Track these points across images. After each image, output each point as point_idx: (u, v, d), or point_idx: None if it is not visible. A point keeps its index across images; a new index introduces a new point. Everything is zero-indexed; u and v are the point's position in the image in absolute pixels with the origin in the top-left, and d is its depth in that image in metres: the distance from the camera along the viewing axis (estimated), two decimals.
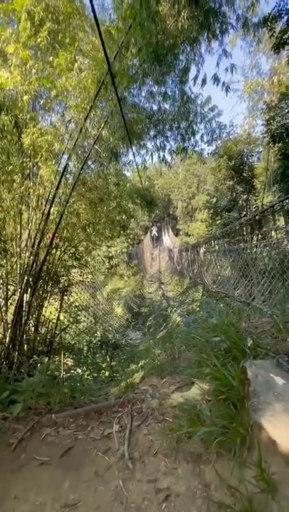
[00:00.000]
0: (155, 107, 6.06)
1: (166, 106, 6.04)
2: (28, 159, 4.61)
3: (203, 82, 5.15)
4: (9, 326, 4.47)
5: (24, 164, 4.61)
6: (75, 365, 5.94)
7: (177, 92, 5.66)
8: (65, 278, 5.96)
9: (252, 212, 9.18)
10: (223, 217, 10.95)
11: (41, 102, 4.84)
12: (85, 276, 7.74)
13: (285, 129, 7.79)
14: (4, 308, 4.58)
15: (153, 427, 1.51)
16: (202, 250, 10.17)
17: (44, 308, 5.24)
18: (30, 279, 4.62)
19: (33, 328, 4.90)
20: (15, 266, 4.77)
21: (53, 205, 4.80)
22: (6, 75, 4.31)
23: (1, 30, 4.47)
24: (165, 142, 6.46)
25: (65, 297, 6.10)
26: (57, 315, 5.70)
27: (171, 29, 4.43)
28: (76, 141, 4.70)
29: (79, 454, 1.38)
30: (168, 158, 6.86)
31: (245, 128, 15.21)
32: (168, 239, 34.88)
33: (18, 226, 4.86)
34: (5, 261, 4.66)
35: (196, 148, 6.62)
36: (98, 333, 8.06)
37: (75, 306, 7.07)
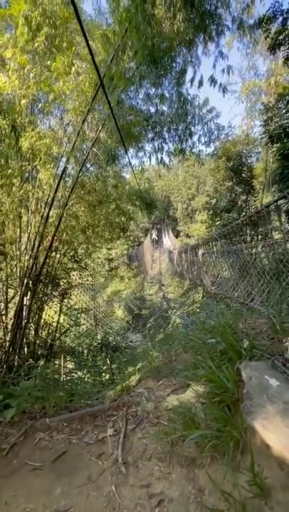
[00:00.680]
0: (153, 109, 6.09)
1: (164, 108, 6.08)
2: (27, 163, 4.63)
3: (200, 83, 5.17)
4: (9, 329, 4.47)
5: (23, 168, 4.62)
6: (75, 368, 5.91)
7: (174, 94, 5.69)
8: (64, 281, 5.95)
9: (250, 213, 9.17)
10: (223, 218, 10.94)
11: (39, 105, 4.87)
12: (85, 279, 7.73)
13: (283, 130, 7.79)
14: (4, 311, 4.57)
15: (148, 431, 1.50)
16: (201, 252, 10.15)
17: (44, 312, 5.24)
18: (30, 282, 4.62)
19: (33, 332, 4.89)
20: (15, 269, 4.78)
21: (52, 208, 4.81)
22: (4, 79, 4.35)
23: None
24: (163, 144, 6.49)
25: (65, 300, 6.09)
26: (57, 318, 5.69)
27: (167, 32, 4.45)
28: (74, 144, 4.71)
29: (72, 458, 1.36)
30: (166, 160, 6.88)
31: (244, 129, 15.22)
32: (168, 240, 34.85)
33: (18, 229, 4.87)
34: (5, 264, 4.66)
35: (194, 150, 6.64)
36: (98, 335, 8.04)
37: (75, 309, 7.06)
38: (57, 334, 5.64)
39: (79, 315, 7.18)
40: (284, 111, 8.57)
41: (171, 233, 36.33)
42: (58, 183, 4.72)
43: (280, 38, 6.73)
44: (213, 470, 1.18)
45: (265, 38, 6.92)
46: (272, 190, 11.65)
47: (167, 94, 5.71)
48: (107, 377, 5.72)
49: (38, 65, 4.50)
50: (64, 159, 4.93)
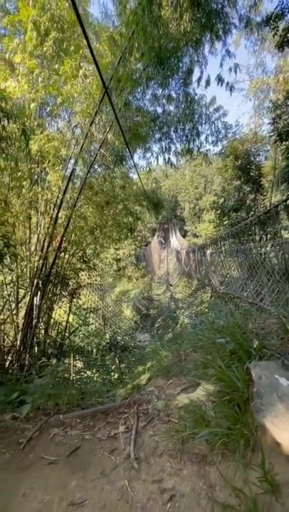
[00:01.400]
0: (160, 110, 6.11)
1: (171, 108, 6.09)
2: (36, 165, 4.71)
3: (207, 83, 5.17)
4: (20, 328, 4.56)
5: (32, 170, 4.71)
6: (84, 368, 5.99)
7: (181, 94, 5.70)
8: (73, 281, 6.03)
9: (259, 212, 9.08)
10: (231, 218, 10.85)
11: (48, 109, 4.95)
12: (93, 279, 7.81)
13: None
14: (15, 311, 4.67)
15: (159, 428, 1.52)
16: (209, 251, 10.10)
17: (53, 311, 5.32)
18: (40, 283, 4.71)
19: (43, 331, 4.98)
20: (25, 270, 4.87)
21: (61, 210, 4.88)
22: (13, 84, 4.45)
23: (8, 41, 4.62)
24: (170, 144, 6.50)
25: (74, 300, 6.17)
26: (66, 317, 5.78)
27: (173, 32, 4.46)
28: (82, 145, 4.77)
29: (86, 453, 1.41)
30: (173, 160, 6.89)
31: (252, 127, 15.12)
32: (175, 240, 34.73)
33: (28, 230, 4.97)
34: (15, 265, 4.76)
35: (202, 149, 6.62)
36: (107, 335, 8.11)
37: (84, 309, 7.14)
38: (66, 333, 5.72)
39: (88, 314, 7.27)
40: None
41: (179, 233, 36.21)
42: (67, 185, 4.79)
43: None
44: (224, 467, 1.20)
45: (273, 36, 6.86)
46: (281, 189, 11.51)
47: (174, 95, 5.73)
48: (116, 376, 5.77)
49: (47, 69, 4.58)
50: (72, 161, 5.00)
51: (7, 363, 4.24)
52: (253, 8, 4.71)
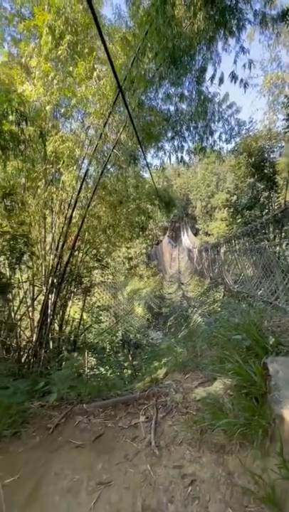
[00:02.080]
0: (172, 108, 6.10)
1: (184, 106, 6.06)
2: (51, 166, 4.83)
3: (221, 81, 5.13)
4: (36, 325, 4.72)
5: (47, 171, 4.84)
6: (98, 364, 6.12)
7: (194, 92, 5.66)
8: (87, 279, 6.16)
9: (274, 210, 8.94)
10: (244, 216, 10.72)
11: (62, 110, 5.06)
12: (106, 277, 7.94)
13: None
14: (31, 308, 4.83)
15: (177, 419, 1.59)
16: (223, 250, 10.03)
17: (68, 308, 5.46)
18: (55, 280, 4.84)
19: (57, 328, 5.13)
20: (40, 268, 5.02)
21: (75, 209, 4.99)
22: (30, 87, 4.58)
23: (24, 46, 4.76)
24: (183, 143, 6.48)
25: (88, 297, 6.30)
26: (80, 315, 5.92)
27: (187, 31, 4.46)
28: (96, 146, 4.86)
29: (109, 440, 1.49)
30: (186, 158, 6.87)
31: (266, 123, 14.74)
32: (187, 239, 34.57)
33: (43, 230, 5.12)
34: (31, 263, 4.92)
35: (215, 147, 6.58)
36: (120, 332, 8.22)
37: (97, 306, 7.28)
38: (80, 330, 5.86)
39: (101, 312, 7.40)
40: None
41: (190, 231, 36.00)
42: (81, 185, 4.89)
43: None
44: (242, 456, 1.25)
45: None
46: None
47: (187, 93, 5.70)
48: (129, 372, 5.86)
49: (61, 72, 4.68)
50: (86, 161, 5.09)
51: (23, 358, 4.41)
52: (268, 2, 4.63)
